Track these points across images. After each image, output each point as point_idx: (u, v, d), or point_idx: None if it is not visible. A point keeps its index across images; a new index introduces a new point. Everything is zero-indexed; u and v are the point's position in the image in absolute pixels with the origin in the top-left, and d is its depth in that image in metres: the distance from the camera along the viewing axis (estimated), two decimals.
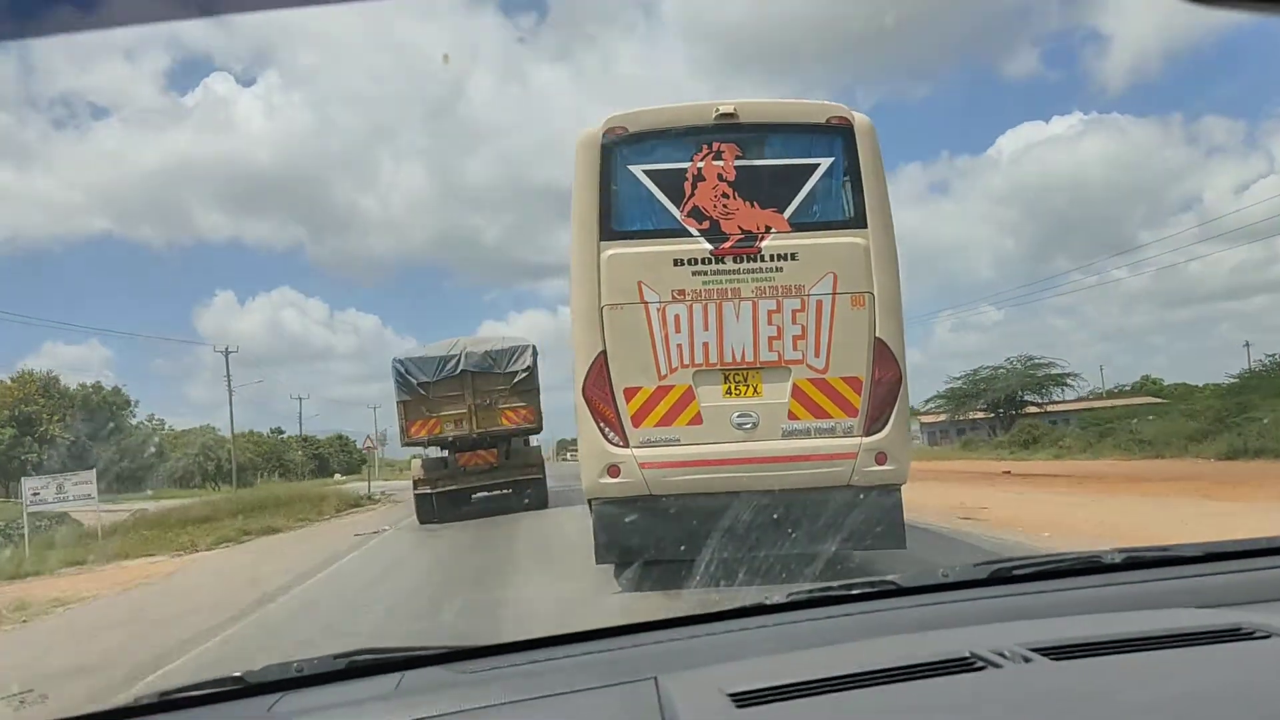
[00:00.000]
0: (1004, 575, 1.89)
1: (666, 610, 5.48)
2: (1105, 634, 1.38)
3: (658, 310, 7.18)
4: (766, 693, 1.26)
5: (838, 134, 7.30)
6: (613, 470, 7.14)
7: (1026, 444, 37.74)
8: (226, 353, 51.76)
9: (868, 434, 7.11)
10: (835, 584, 1.91)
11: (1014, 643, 1.35)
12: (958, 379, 53.60)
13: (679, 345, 7.17)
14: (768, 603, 1.86)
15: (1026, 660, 1.29)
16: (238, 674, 1.65)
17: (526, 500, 18.05)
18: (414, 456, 19.88)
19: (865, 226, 7.20)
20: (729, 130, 7.27)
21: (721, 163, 7.24)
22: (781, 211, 7.23)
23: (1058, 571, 1.89)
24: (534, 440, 20.11)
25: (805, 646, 1.56)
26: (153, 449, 62.17)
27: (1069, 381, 50.55)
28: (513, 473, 17.86)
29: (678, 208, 7.24)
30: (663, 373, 7.17)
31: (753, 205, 7.23)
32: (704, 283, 7.19)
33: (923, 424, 60.42)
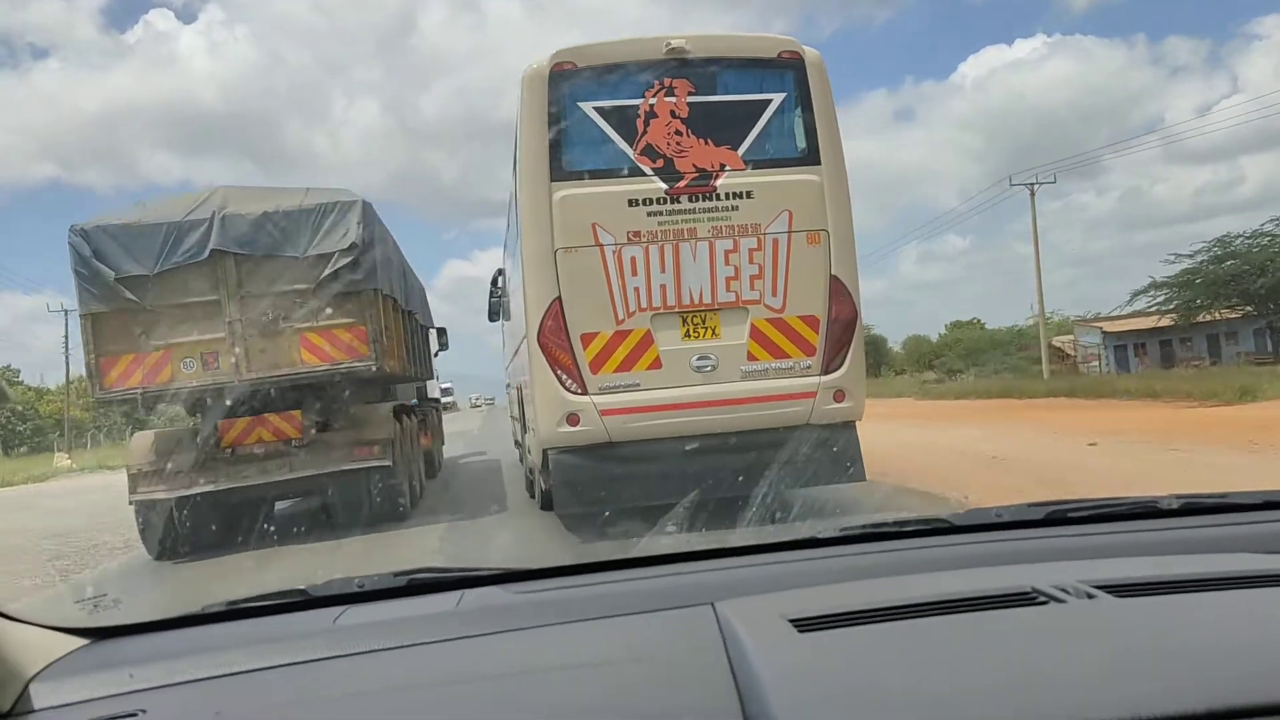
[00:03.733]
0: (1060, 516, 1.88)
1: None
2: (1168, 574, 1.38)
3: (613, 253, 6.96)
4: (828, 619, 1.27)
5: (789, 69, 7.18)
6: (572, 419, 6.95)
7: None
8: None
9: (826, 372, 7.13)
10: (889, 519, 1.92)
11: (1075, 580, 1.34)
12: (1192, 256, 33.60)
13: (636, 288, 6.99)
14: (820, 536, 1.87)
15: (1090, 596, 1.28)
16: (302, 587, 1.72)
17: (360, 509, 9.31)
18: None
19: (819, 163, 7.14)
20: (680, 65, 7.04)
21: (674, 99, 7.03)
22: (735, 149, 7.09)
23: (1114, 515, 1.90)
24: (429, 389, 14.73)
25: (859, 578, 1.56)
26: None
27: None
28: (332, 457, 9.15)
29: (630, 146, 7.01)
30: (620, 317, 6.99)
31: (706, 143, 7.06)
32: (659, 223, 7.01)
33: (1107, 334, 41.66)
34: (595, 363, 6.97)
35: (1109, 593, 1.29)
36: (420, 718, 1.19)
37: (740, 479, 6.90)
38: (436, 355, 16.77)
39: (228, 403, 8.92)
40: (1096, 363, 41.06)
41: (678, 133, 7.03)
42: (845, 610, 1.30)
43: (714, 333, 7.10)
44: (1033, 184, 35.77)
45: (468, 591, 1.68)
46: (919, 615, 1.28)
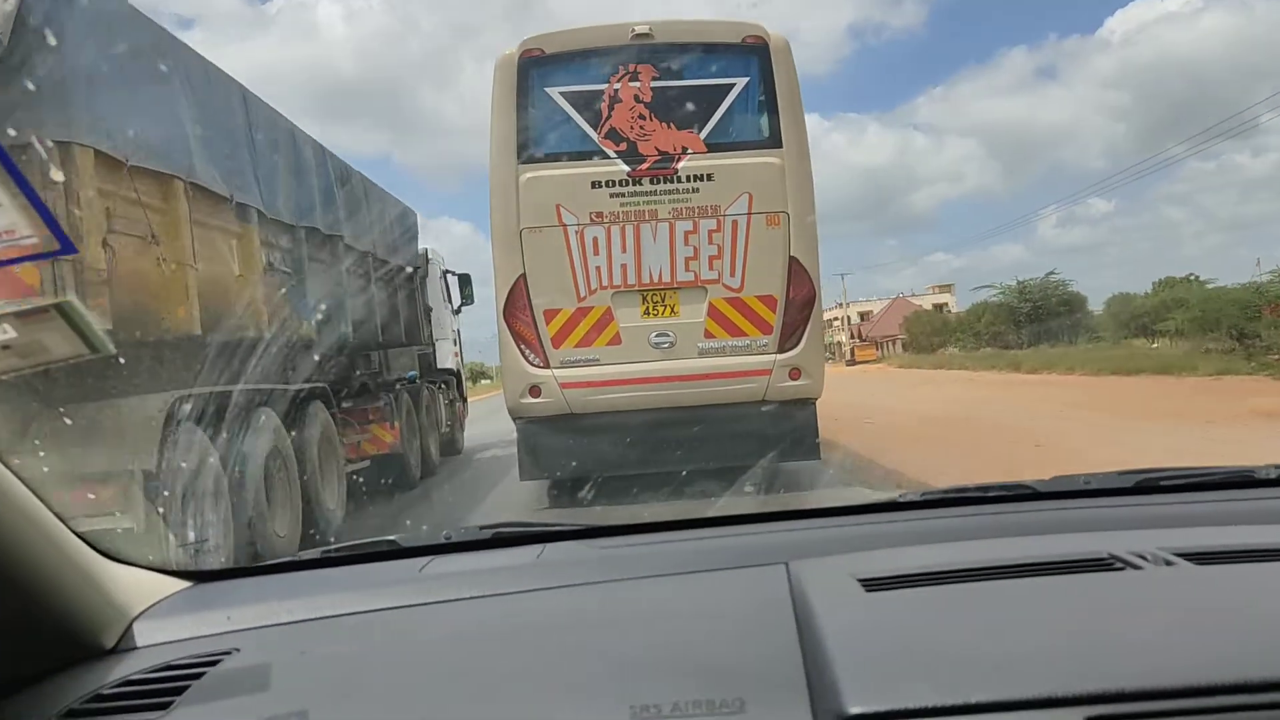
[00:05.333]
0: (1149, 485, 1.82)
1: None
2: (1252, 543, 1.35)
3: (576, 233, 7.25)
4: (897, 579, 1.28)
5: (753, 53, 7.32)
6: (534, 391, 7.29)
7: None
8: None
9: (781, 350, 7.30)
10: (970, 485, 1.91)
11: (1155, 547, 1.31)
12: None
13: (597, 267, 7.27)
14: (900, 499, 1.89)
15: (1168, 564, 1.25)
16: (392, 538, 1.79)
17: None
18: None
19: (780, 146, 7.28)
20: (645, 51, 7.26)
21: (638, 84, 7.25)
22: (698, 132, 7.28)
23: (1207, 483, 1.83)
24: (438, 357, 12.00)
25: (937, 542, 1.55)
26: None
27: None
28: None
29: (595, 130, 7.26)
30: (582, 294, 7.28)
31: (669, 126, 7.27)
32: (621, 204, 7.26)
33: None
34: (557, 338, 7.29)
35: (1189, 560, 1.26)
36: (499, 664, 1.22)
37: (696, 452, 7.14)
38: (458, 311, 14.14)
39: None
40: None
41: (641, 117, 7.26)
42: (914, 571, 1.30)
43: (673, 311, 7.34)
44: None
45: (549, 545, 1.71)
46: (988, 578, 1.27)
